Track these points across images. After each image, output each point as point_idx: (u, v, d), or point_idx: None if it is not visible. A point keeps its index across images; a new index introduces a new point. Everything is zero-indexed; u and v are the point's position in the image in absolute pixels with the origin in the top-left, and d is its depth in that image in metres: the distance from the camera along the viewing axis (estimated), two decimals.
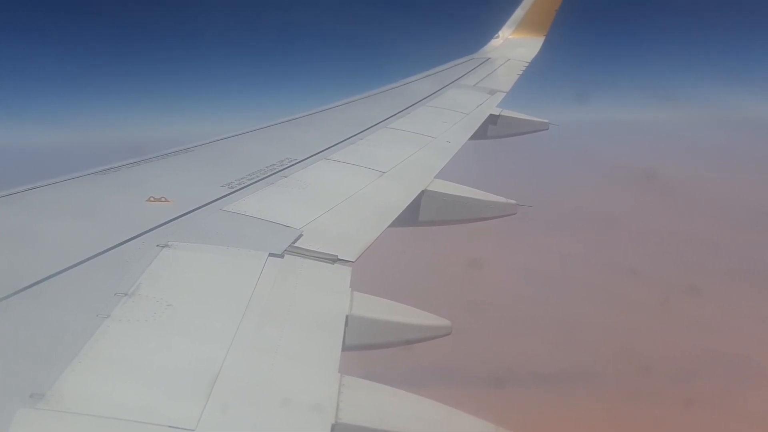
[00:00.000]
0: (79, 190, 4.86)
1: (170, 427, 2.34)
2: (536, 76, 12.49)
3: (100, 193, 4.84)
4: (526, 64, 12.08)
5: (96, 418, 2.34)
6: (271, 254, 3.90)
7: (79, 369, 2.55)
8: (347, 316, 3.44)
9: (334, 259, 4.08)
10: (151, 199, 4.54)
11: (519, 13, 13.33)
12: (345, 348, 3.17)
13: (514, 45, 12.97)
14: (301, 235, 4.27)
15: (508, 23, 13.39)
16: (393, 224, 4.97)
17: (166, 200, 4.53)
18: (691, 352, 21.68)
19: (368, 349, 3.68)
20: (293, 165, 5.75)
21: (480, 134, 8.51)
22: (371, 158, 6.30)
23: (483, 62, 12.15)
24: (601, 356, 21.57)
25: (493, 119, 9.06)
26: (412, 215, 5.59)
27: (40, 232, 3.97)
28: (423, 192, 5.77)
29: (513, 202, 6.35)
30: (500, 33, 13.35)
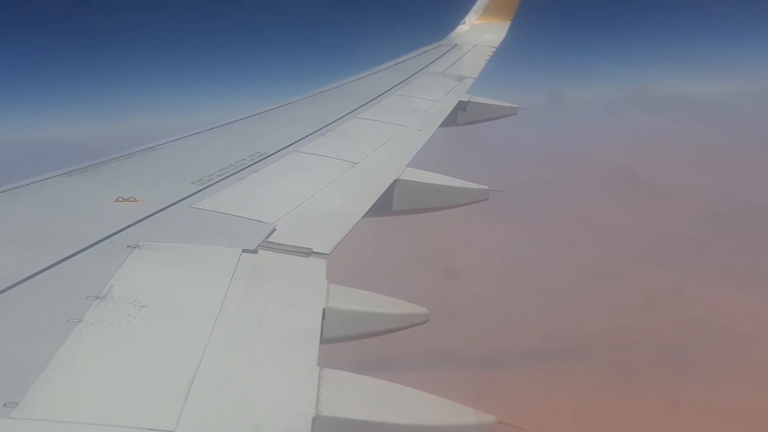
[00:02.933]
0: (45, 193, 4.77)
1: (149, 429, 2.31)
2: (504, 61, 12.57)
3: (66, 195, 4.75)
4: (494, 50, 12.13)
5: (72, 424, 2.30)
6: (244, 250, 3.87)
7: (52, 375, 2.51)
8: (324, 309, 3.44)
9: (308, 253, 4.06)
10: (120, 199, 4.47)
11: None
12: (323, 341, 3.16)
13: (480, 30, 13.01)
14: (274, 230, 4.25)
15: (474, 9, 13.44)
16: (367, 215, 4.97)
17: (135, 200, 4.47)
18: (676, 346, 21.80)
19: (347, 341, 3.68)
20: (264, 159, 5.71)
21: (450, 121, 8.54)
22: (342, 149, 6.28)
23: (450, 49, 12.17)
24: (581, 339, 21.81)
25: (462, 105, 9.09)
26: (385, 205, 5.59)
27: (6, 237, 3.88)
28: (395, 181, 5.77)
29: (485, 187, 6.38)
30: (466, 19, 13.40)
